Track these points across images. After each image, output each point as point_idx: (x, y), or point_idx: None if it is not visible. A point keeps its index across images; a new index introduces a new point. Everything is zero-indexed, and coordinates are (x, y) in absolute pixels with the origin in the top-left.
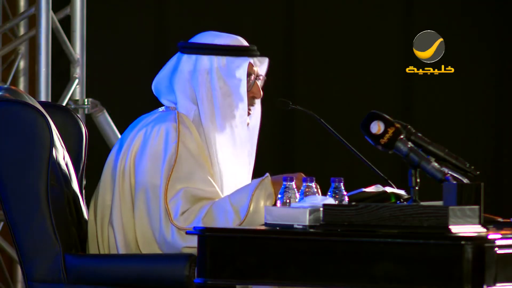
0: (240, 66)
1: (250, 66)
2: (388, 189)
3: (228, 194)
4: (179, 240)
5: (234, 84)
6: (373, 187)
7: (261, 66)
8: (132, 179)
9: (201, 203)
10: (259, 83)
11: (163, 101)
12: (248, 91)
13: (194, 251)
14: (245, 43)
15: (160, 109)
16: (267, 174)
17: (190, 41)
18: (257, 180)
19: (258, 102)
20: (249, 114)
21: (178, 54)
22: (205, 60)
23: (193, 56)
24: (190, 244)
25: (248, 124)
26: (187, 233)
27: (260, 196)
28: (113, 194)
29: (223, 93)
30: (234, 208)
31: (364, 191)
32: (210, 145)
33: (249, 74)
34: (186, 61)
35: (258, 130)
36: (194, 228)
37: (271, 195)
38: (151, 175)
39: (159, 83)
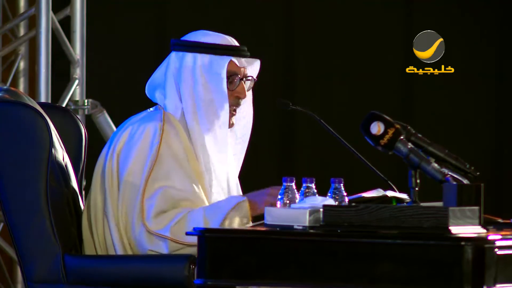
0: (220, 64)
1: (234, 65)
2: (390, 193)
3: (204, 206)
4: (145, 242)
5: (214, 82)
6: (374, 191)
7: (251, 67)
8: (118, 177)
9: (177, 210)
10: (248, 83)
11: (156, 94)
12: (232, 90)
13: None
14: (234, 42)
15: (150, 109)
16: (245, 197)
17: (181, 38)
18: (234, 200)
19: (248, 104)
20: (233, 114)
21: (171, 51)
22: (189, 58)
23: (180, 53)
24: (155, 248)
25: (233, 124)
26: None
27: (234, 217)
28: (105, 194)
29: (204, 90)
30: (206, 223)
31: (364, 196)
32: (195, 144)
33: (233, 74)
34: (174, 58)
35: (249, 131)
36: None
37: (246, 217)
38: (134, 174)
39: (153, 81)
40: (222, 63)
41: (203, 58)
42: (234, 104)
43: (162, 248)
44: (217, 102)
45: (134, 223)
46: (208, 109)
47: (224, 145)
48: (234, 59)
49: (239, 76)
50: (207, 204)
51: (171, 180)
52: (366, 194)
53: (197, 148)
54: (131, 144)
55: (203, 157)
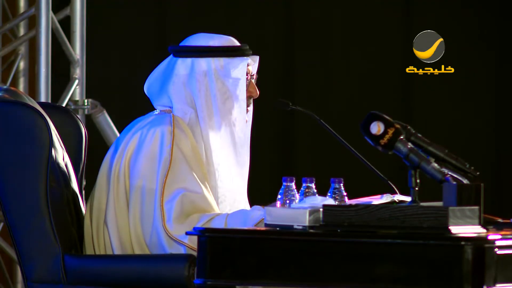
0: (238, 66)
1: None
2: (398, 197)
3: (227, 215)
4: (165, 245)
5: (232, 84)
6: (383, 196)
7: (254, 64)
8: (127, 182)
9: (199, 216)
10: (253, 81)
11: (157, 106)
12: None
13: None
14: (238, 43)
15: (155, 111)
16: None
17: (182, 44)
18: (260, 213)
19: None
20: (247, 111)
21: (170, 57)
22: (202, 63)
23: (189, 60)
24: (174, 252)
25: (246, 121)
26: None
27: None
28: (108, 197)
29: (221, 94)
30: None
31: (374, 203)
32: (208, 147)
33: (246, 74)
34: (181, 65)
35: (250, 129)
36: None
37: None
38: (146, 178)
39: (151, 87)
40: (239, 64)
41: (217, 62)
42: (248, 103)
43: (182, 250)
44: (235, 104)
45: (154, 226)
46: (226, 112)
47: (243, 143)
48: (248, 60)
49: (250, 75)
50: (217, 209)
51: (187, 183)
52: (376, 201)
53: (210, 152)
54: (141, 149)
55: (216, 159)
